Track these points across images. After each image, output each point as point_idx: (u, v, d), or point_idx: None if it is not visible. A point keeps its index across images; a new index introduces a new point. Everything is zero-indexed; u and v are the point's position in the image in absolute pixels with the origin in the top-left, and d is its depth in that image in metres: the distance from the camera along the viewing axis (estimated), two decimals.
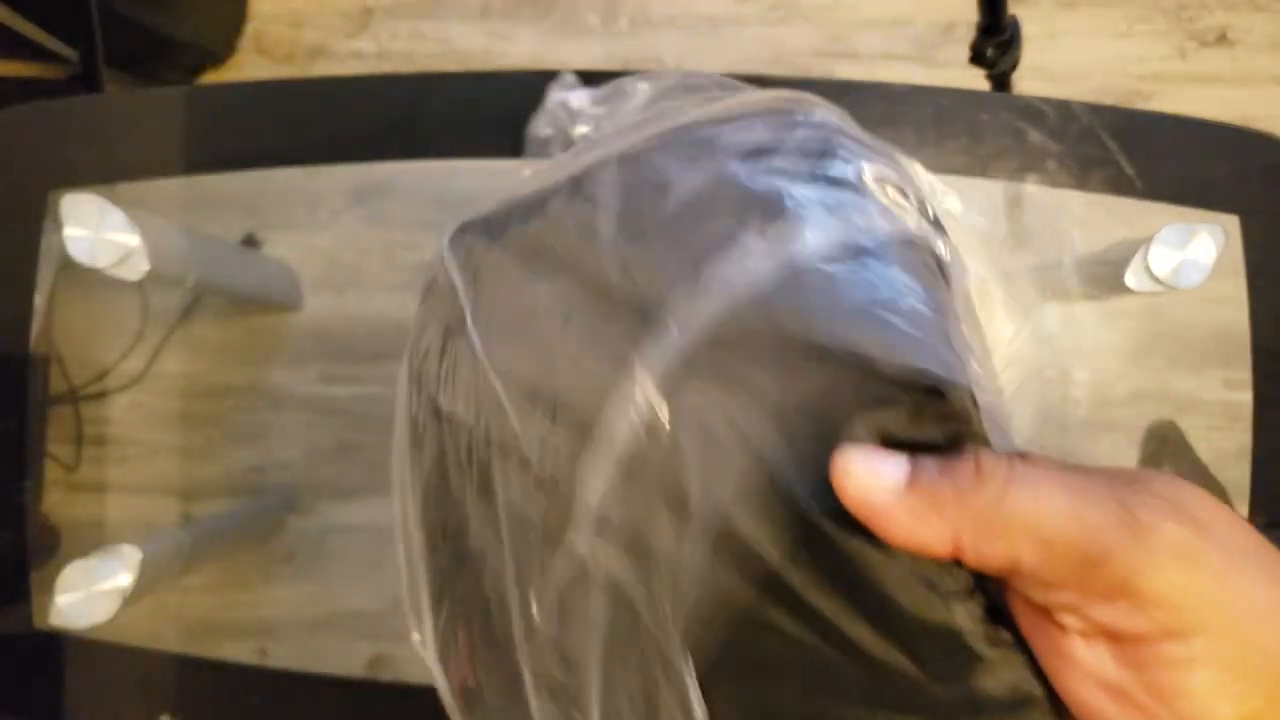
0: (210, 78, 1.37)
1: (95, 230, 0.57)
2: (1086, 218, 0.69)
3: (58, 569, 0.58)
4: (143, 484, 0.72)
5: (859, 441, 0.21)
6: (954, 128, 0.67)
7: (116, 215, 0.58)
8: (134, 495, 0.72)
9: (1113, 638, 0.19)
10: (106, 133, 0.70)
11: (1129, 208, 0.67)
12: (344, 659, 0.70)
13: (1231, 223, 0.67)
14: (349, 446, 0.71)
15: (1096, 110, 0.67)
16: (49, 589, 0.59)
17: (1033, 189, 0.68)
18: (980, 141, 0.67)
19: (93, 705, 0.67)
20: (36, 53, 1.24)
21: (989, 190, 0.68)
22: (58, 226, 0.58)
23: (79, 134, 0.70)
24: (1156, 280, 0.62)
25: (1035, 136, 0.67)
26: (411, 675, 0.70)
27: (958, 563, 0.20)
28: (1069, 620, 0.19)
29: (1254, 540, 0.19)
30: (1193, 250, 0.62)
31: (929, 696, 0.20)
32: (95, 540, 0.70)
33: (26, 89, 1.30)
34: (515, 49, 1.37)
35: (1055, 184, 0.67)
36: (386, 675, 0.69)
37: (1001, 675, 0.20)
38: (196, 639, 0.69)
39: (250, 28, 1.38)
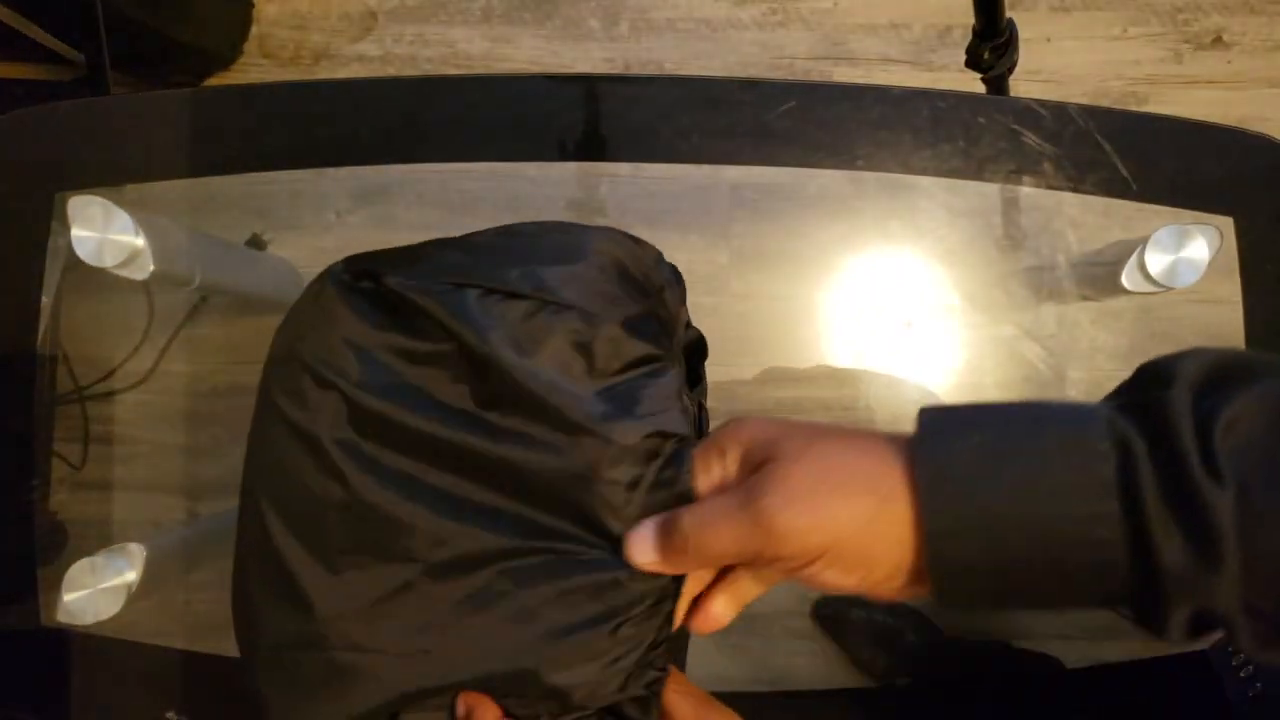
0: (216, 81, 1.38)
1: (102, 231, 0.58)
2: (1082, 219, 0.69)
3: (64, 566, 0.59)
4: (148, 482, 0.72)
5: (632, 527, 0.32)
6: (951, 131, 0.68)
7: (123, 216, 0.58)
8: (140, 493, 0.72)
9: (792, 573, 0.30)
10: (113, 135, 0.71)
11: (1124, 209, 0.68)
12: None
13: (1226, 224, 0.67)
14: None
15: (1092, 113, 0.67)
16: (56, 586, 0.59)
17: (1029, 191, 0.69)
18: (977, 144, 0.68)
19: (99, 701, 0.67)
20: (43, 55, 1.25)
21: (985, 192, 0.69)
22: (65, 228, 0.58)
23: (85, 136, 0.71)
24: (1152, 281, 0.63)
25: (1031, 139, 0.68)
26: None
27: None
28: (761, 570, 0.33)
29: (806, 436, 0.30)
30: (1188, 251, 0.62)
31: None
32: (101, 538, 0.71)
33: (33, 92, 1.30)
34: (517, 53, 1.38)
35: (1051, 186, 0.68)
36: None
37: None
38: (202, 636, 0.69)
39: (255, 31, 1.39)
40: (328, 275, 0.38)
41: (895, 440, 0.29)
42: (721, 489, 0.31)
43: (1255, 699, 0.47)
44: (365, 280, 0.36)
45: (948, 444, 0.27)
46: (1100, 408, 0.27)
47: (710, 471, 0.32)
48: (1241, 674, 0.48)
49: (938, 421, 0.28)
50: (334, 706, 0.33)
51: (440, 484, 0.33)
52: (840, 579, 0.29)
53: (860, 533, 0.28)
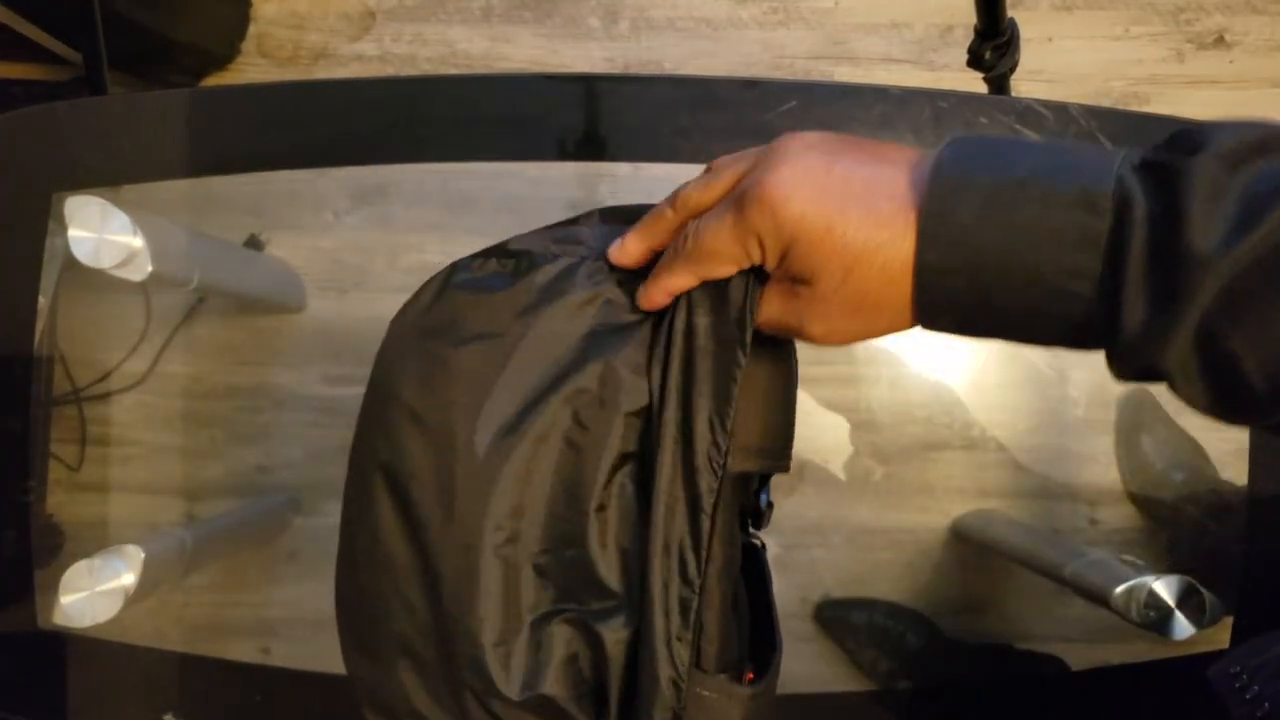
0: (213, 80, 1.38)
1: (99, 232, 0.58)
2: None
3: (61, 569, 0.58)
4: (146, 484, 0.72)
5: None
6: (952, 130, 0.68)
7: (120, 217, 0.58)
8: (137, 495, 0.72)
9: (792, 289, 0.31)
10: (110, 135, 0.70)
11: None
12: None
13: None
14: None
15: (1094, 113, 0.67)
16: (53, 589, 0.59)
17: None
18: None
19: (96, 704, 0.67)
20: (41, 55, 1.25)
21: None
22: (62, 228, 0.58)
23: (83, 136, 0.70)
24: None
25: (1033, 139, 0.68)
26: None
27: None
28: (779, 275, 0.31)
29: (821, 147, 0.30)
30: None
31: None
32: (99, 540, 0.71)
33: (31, 91, 1.30)
34: (517, 52, 1.38)
35: None
36: None
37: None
38: (199, 638, 0.69)
39: (253, 30, 1.39)
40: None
41: (916, 175, 0.29)
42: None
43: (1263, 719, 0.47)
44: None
45: (958, 192, 0.27)
46: (1120, 162, 0.27)
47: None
48: (1247, 695, 0.47)
49: (958, 160, 0.28)
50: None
51: None
52: (839, 319, 0.30)
53: (861, 260, 0.28)
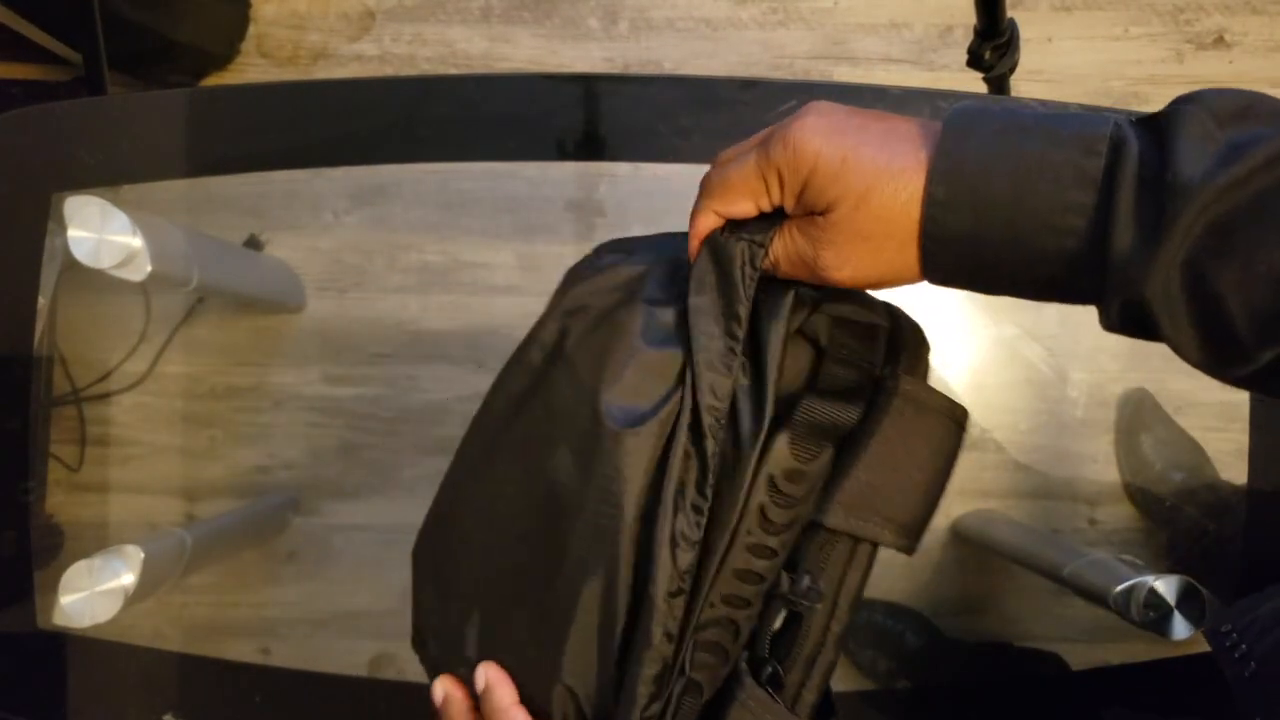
0: (213, 80, 1.38)
1: (99, 232, 0.58)
2: None
3: (61, 569, 0.58)
4: (146, 484, 0.72)
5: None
6: None
7: (120, 217, 0.58)
8: (137, 496, 0.72)
9: (809, 219, 0.32)
10: (110, 135, 0.70)
11: None
12: (346, 658, 0.70)
13: None
14: (351, 447, 0.72)
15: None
16: (52, 589, 0.59)
17: None
18: None
19: (96, 705, 0.67)
20: (40, 56, 1.25)
21: None
22: (61, 228, 0.58)
23: (83, 136, 0.70)
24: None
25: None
26: (413, 674, 0.70)
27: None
28: (796, 212, 0.33)
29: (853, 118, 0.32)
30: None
31: None
32: (98, 540, 0.71)
33: (30, 92, 1.30)
34: (516, 52, 1.38)
35: None
36: (388, 674, 0.69)
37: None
38: (199, 638, 0.69)
39: (253, 30, 1.39)
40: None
41: (928, 128, 0.31)
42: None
43: (1251, 679, 0.48)
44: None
45: (967, 141, 0.30)
46: (1116, 116, 0.30)
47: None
48: (1236, 655, 0.48)
49: (966, 112, 0.30)
50: None
51: None
52: (849, 246, 0.31)
53: (873, 189, 0.30)
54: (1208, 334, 0.28)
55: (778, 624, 0.33)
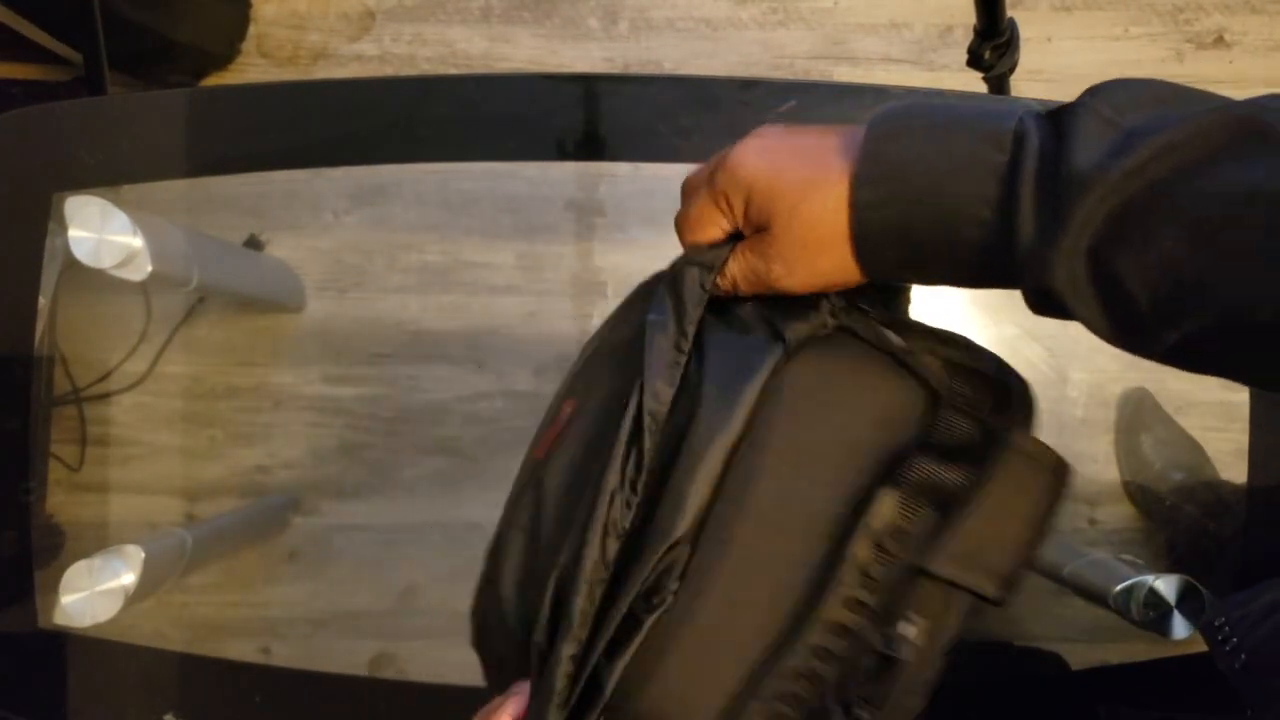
0: (213, 80, 1.38)
1: (99, 232, 0.58)
2: None
3: (61, 569, 0.58)
4: (146, 484, 0.72)
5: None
6: None
7: (120, 217, 0.58)
8: (137, 495, 0.72)
9: (758, 237, 0.35)
10: (110, 135, 0.70)
11: None
12: (346, 657, 0.70)
13: None
14: (352, 446, 0.72)
15: None
16: (53, 589, 0.59)
17: None
18: None
19: (96, 704, 0.67)
20: (41, 56, 1.25)
21: None
22: (62, 228, 0.58)
23: (83, 136, 0.70)
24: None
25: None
26: (413, 673, 0.70)
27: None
28: (747, 231, 0.36)
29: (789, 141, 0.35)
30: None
31: None
32: (99, 540, 0.71)
33: (31, 92, 1.30)
34: (516, 52, 1.38)
35: None
36: (388, 673, 0.69)
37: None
38: (199, 638, 0.69)
39: (253, 30, 1.39)
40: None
41: (855, 136, 0.33)
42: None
43: (1241, 670, 0.49)
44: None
45: (887, 144, 0.32)
46: (1025, 110, 0.31)
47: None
48: (1228, 648, 0.49)
49: (886, 117, 0.33)
50: None
51: None
52: (792, 254, 0.34)
53: (804, 199, 0.33)
54: (1116, 318, 0.29)
55: (868, 667, 0.33)
